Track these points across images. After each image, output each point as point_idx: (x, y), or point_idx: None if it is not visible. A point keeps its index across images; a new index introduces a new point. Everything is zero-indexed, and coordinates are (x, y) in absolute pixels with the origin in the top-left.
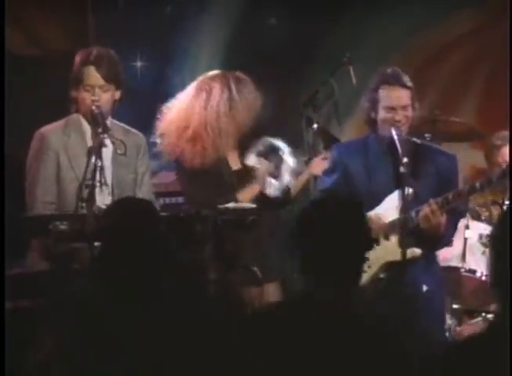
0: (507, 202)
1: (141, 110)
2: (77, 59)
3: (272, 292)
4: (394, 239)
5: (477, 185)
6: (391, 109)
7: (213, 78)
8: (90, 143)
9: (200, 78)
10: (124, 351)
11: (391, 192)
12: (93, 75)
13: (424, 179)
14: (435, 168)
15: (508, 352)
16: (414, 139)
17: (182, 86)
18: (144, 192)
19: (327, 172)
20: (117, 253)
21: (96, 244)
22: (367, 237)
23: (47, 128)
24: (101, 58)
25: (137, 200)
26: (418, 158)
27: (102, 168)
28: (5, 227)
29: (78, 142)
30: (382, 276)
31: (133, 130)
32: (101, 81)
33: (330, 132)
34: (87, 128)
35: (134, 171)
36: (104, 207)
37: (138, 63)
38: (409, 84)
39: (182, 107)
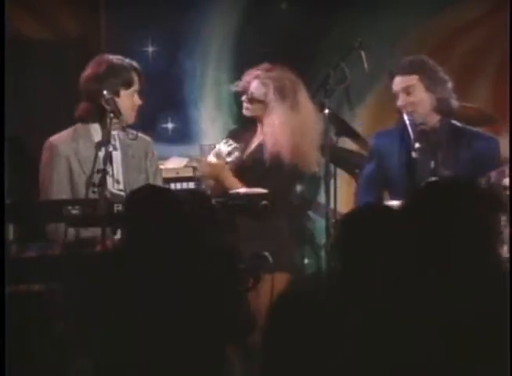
0: None
1: (152, 95)
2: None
3: (281, 280)
4: None
5: None
6: (396, 95)
7: None
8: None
9: None
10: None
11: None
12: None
13: (456, 166)
14: (470, 154)
15: (508, 352)
16: (454, 122)
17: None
18: None
19: (368, 160)
20: (139, 239)
21: (109, 228)
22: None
23: (55, 138)
24: None
25: (158, 187)
26: (452, 144)
27: (111, 155)
28: (18, 212)
29: (87, 147)
30: None
31: (141, 135)
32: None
33: (342, 117)
34: (95, 133)
35: (145, 171)
36: (116, 191)
37: (150, 48)
38: (417, 67)
39: None
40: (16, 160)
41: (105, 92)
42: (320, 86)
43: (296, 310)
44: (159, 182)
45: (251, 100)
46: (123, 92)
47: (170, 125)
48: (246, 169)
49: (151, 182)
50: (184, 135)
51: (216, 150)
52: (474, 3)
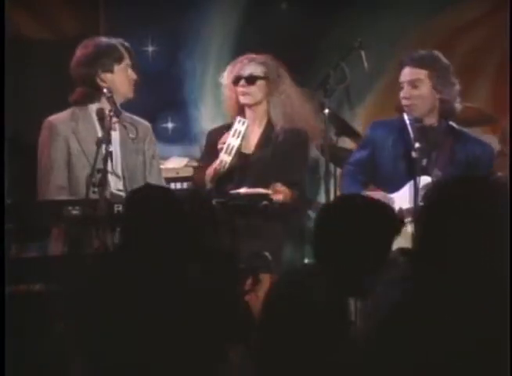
0: None
1: (152, 95)
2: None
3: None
4: (410, 225)
5: None
6: (401, 85)
7: None
8: (98, 128)
9: None
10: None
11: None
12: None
13: (450, 168)
14: (465, 157)
15: (508, 352)
16: (451, 123)
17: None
18: (154, 177)
19: (360, 146)
20: (139, 239)
21: (108, 229)
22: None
23: (54, 117)
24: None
25: (158, 187)
26: (447, 144)
27: (111, 154)
28: (18, 212)
29: (86, 127)
30: (402, 260)
31: (140, 119)
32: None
33: (342, 117)
34: (94, 114)
35: (142, 154)
36: (116, 192)
37: (150, 48)
38: (428, 63)
39: None
40: (16, 160)
41: (105, 91)
42: (320, 86)
43: (289, 307)
44: (155, 167)
45: (251, 81)
46: (116, 68)
47: (170, 125)
48: (258, 161)
49: (148, 165)
50: (184, 135)
51: (234, 130)
52: (474, 3)
